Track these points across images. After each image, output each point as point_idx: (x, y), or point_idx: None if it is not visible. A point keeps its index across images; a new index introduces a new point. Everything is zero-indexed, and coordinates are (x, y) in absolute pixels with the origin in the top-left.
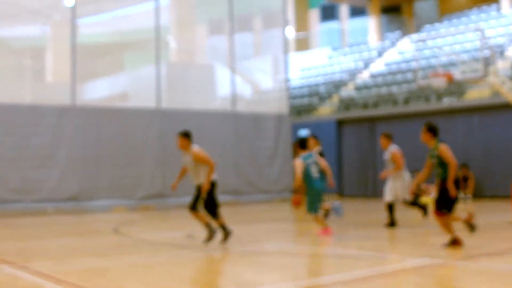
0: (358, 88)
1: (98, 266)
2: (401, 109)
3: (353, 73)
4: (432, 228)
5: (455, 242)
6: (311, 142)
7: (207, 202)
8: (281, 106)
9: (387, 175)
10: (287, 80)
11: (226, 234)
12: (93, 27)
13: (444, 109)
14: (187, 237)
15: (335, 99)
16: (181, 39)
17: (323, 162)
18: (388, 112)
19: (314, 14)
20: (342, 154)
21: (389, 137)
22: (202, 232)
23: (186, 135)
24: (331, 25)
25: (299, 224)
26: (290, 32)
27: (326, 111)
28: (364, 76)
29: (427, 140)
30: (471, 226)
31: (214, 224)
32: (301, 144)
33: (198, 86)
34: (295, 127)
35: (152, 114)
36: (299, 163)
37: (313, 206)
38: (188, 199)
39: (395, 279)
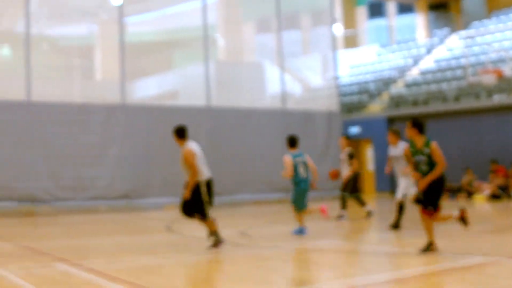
0: (408, 85)
1: (150, 263)
2: (451, 106)
3: (402, 70)
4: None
5: (430, 247)
6: (343, 142)
7: (192, 202)
8: (331, 104)
9: (406, 172)
10: (336, 78)
11: (217, 241)
12: (141, 25)
13: (495, 106)
14: (240, 235)
15: (384, 97)
16: (228, 37)
17: (311, 163)
18: (438, 109)
19: (362, 12)
20: None
21: (398, 134)
22: (256, 230)
23: (177, 132)
24: (379, 22)
25: (351, 221)
26: (338, 29)
27: (376, 108)
28: (414, 73)
29: (412, 136)
30: (464, 221)
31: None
32: (291, 141)
33: (248, 84)
34: (346, 125)
35: (202, 112)
36: (288, 159)
37: (300, 203)
38: (241, 196)
39: (451, 277)
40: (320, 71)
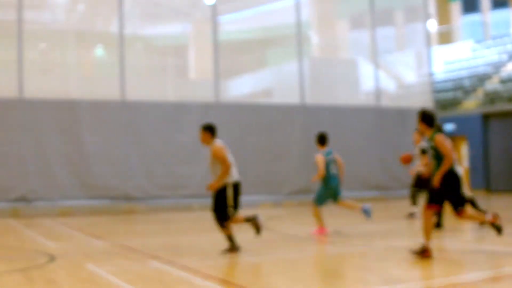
0: (503, 81)
1: (245, 261)
2: None
3: (497, 66)
4: None
5: (424, 252)
6: (416, 137)
7: (216, 206)
8: (425, 100)
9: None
10: (430, 74)
11: (232, 247)
12: (235, 24)
13: None
14: (334, 232)
15: (479, 93)
16: (322, 34)
17: (340, 161)
18: None
19: (456, 7)
20: (488, 149)
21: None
22: (350, 228)
23: (207, 129)
24: (473, 17)
25: (445, 220)
26: (432, 25)
27: (471, 105)
28: (509, 69)
29: (423, 131)
30: (497, 228)
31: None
32: (321, 139)
33: (341, 81)
34: (440, 122)
35: (296, 110)
36: (321, 158)
37: (321, 199)
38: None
39: None
40: (414, 68)
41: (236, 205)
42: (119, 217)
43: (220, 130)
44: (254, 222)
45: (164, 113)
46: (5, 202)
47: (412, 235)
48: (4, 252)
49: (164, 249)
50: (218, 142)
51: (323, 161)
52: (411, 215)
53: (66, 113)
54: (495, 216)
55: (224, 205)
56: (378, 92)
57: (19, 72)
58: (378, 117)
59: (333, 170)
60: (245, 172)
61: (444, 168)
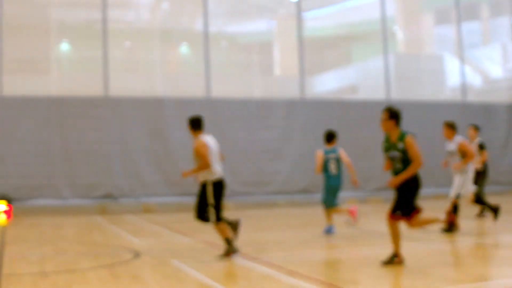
0: None
1: (329, 258)
2: None
3: None
4: None
5: (395, 258)
6: (472, 132)
7: (197, 204)
8: (511, 95)
9: (461, 167)
10: None
11: (230, 250)
12: (319, 20)
13: None
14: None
15: None
16: (407, 29)
17: (347, 159)
18: None
19: None
20: None
21: (453, 127)
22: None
23: (191, 122)
24: None
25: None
26: None
27: None
28: None
29: (389, 129)
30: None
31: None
32: (328, 137)
33: (427, 77)
34: None
35: (382, 106)
36: (319, 155)
37: (331, 201)
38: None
39: None
40: (500, 62)
41: (219, 204)
42: None
43: (305, 127)
44: (233, 226)
45: (249, 110)
46: (92, 199)
47: (499, 231)
48: (90, 248)
49: (249, 246)
50: (202, 138)
51: (320, 158)
52: (481, 214)
53: (152, 110)
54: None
55: (204, 204)
56: (464, 87)
57: (104, 70)
58: (464, 112)
59: (333, 169)
60: None
61: (410, 172)
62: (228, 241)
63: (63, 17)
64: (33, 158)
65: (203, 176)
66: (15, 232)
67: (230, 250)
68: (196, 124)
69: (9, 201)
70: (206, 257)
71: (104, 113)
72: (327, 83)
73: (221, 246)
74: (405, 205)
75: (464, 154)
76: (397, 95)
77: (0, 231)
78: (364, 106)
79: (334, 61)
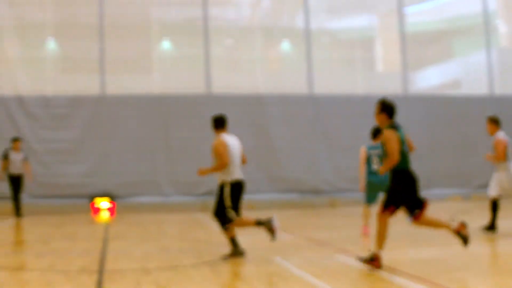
0: None
1: (431, 255)
2: None
3: None
4: None
5: (374, 260)
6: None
7: (216, 206)
8: None
9: (491, 160)
10: None
11: (235, 252)
12: (421, 15)
13: None
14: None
15: None
16: (510, 23)
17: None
18: None
19: None
20: None
21: (496, 122)
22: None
23: (213, 121)
24: None
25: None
26: None
27: None
28: None
29: (381, 123)
30: (463, 238)
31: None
32: (375, 133)
33: None
34: None
35: (485, 102)
36: (363, 151)
37: (368, 197)
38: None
39: None
40: None
41: (236, 206)
42: (307, 211)
43: (408, 122)
44: (267, 226)
45: (353, 106)
46: (194, 197)
47: None
48: (192, 245)
49: (351, 243)
50: (223, 137)
51: (363, 155)
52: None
53: (254, 107)
54: (462, 224)
55: (222, 206)
56: None
57: (206, 68)
58: None
59: (374, 166)
60: (434, 165)
61: (384, 168)
62: (234, 243)
63: (164, 15)
64: (136, 156)
65: (220, 177)
66: (118, 229)
67: (236, 252)
68: (219, 123)
69: (112, 198)
70: (308, 254)
71: (207, 110)
72: (430, 79)
73: (322, 242)
74: (413, 202)
75: (496, 151)
76: (501, 89)
77: (104, 228)
78: (467, 101)
79: (436, 56)
